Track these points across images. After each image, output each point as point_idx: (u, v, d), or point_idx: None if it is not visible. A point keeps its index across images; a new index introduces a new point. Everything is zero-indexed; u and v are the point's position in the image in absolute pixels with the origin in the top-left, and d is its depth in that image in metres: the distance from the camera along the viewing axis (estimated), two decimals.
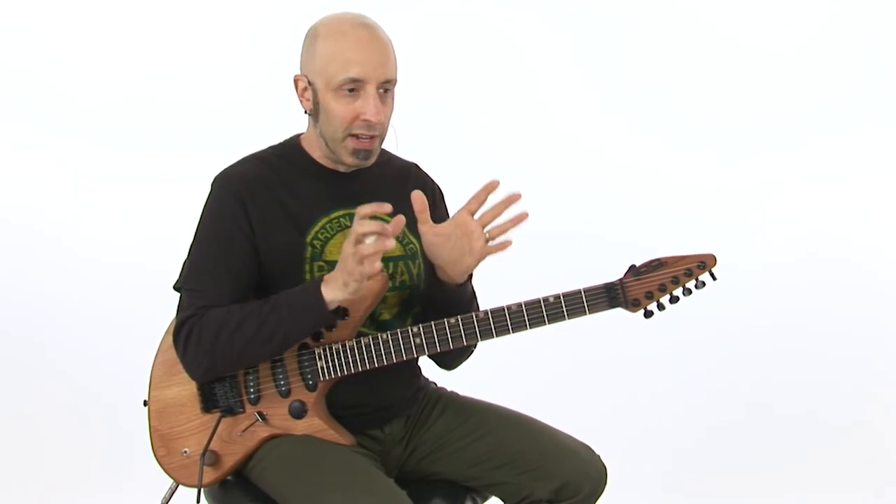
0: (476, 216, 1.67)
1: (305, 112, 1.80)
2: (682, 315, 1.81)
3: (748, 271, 3.34)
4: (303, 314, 1.64)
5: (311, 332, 1.69)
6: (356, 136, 1.72)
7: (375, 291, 1.71)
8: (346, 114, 1.70)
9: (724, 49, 3.53)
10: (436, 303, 1.77)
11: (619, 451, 2.14)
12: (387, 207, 1.56)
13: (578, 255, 3.02)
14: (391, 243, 1.54)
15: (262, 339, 1.65)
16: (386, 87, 1.73)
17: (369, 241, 1.55)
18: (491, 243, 1.67)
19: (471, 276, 1.81)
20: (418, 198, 1.68)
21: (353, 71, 1.68)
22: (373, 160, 1.79)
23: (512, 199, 1.65)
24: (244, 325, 1.65)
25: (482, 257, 1.69)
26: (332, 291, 1.61)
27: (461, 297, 1.76)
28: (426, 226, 1.69)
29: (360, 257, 1.54)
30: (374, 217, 1.58)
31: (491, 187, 1.65)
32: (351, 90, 1.70)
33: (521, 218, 1.65)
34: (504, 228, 1.66)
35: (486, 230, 1.67)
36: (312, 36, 1.76)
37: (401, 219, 1.57)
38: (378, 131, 1.73)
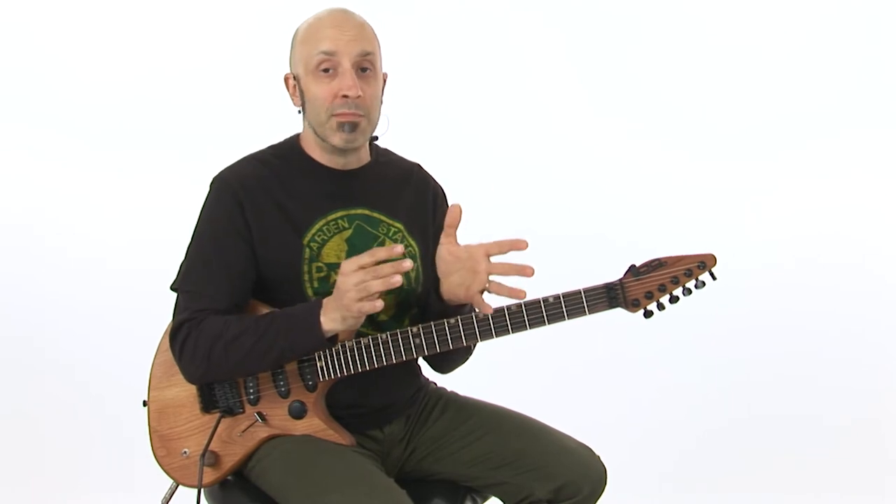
0: (492, 259, 1.66)
1: (298, 111, 1.81)
2: (681, 316, 1.81)
3: (747, 272, 3.34)
4: (300, 339, 1.65)
5: (307, 354, 1.70)
6: (338, 114, 1.71)
7: None
8: (326, 93, 1.71)
9: (722, 49, 3.53)
10: (433, 314, 1.77)
11: (619, 452, 2.14)
12: (398, 249, 1.57)
13: (578, 256, 3.02)
14: (398, 279, 1.55)
15: (257, 356, 1.66)
16: (363, 66, 1.72)
17: (376, 282, 1.55)
18: (486, 294, 1.67)
19: None
20: (455, 211, 1.68)
21: (323, 45, 1.70)
22: (360, 139, 1.76)
23: (524, 270, 1.62)
24: (240, 339, 1.65)
25: (469, 300, 1.69)
26: (331, 322, 1.62)
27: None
28: (448, 239, 1.70)
29: (362, 295, 1.55)
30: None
31: (519, 245, 1.62)
32: (326, 70, 1.70)
33: (518, 294, 1.63)
34: (500, 293, 1.65)
35: (489, 278, 1.66)
36: (294, 33, 1.79)
37: (408, 264, 1.57)
38: (361, 109, 1.72)
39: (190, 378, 1.73)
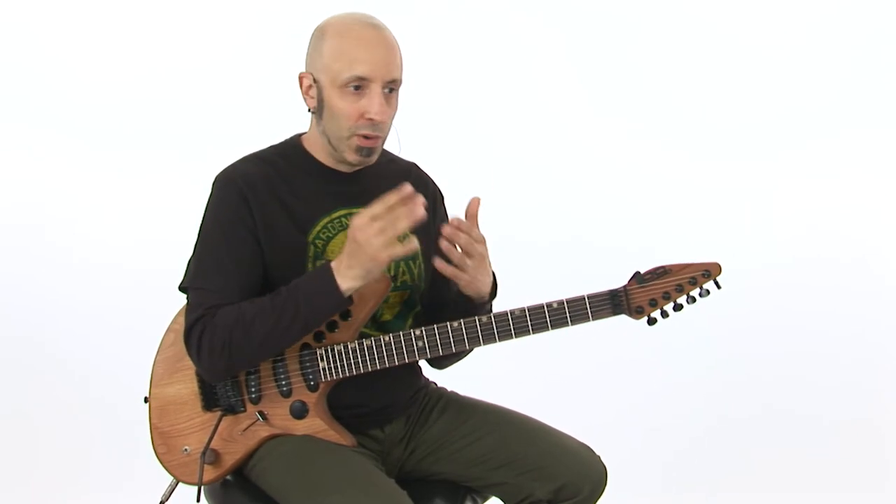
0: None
1: (309, 110, 1.79)
2: (682, 315, 1.81)
3: (747, 271, 3.33)
4: (320, 306, 1.64)
5: (328, 318, 1.69)
6: (361, 135, 1.72)
7: (379, 293, 1.71)
8: (351, 112, 1.70)
9: (722, 49, 3.53)
10: (454, 312, 1.76)
11: (620, 452, 2.14)
12: (407, 188, 1.58)
13: (577, 255, 3.02)
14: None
15: (280, 333, 1.65)
16: (391, 87, 1.72)
17: (400, 222, 1.58)
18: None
19: (493, 297, 1.83)
20: (475, 203, 1.72)
21: (359, 69, 1.68)
22: (375, 158, 1.79)
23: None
24: (259, 320, 1.64)
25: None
26: (350, 281, 1.62)
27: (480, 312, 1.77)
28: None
29: (388, 239, 1.57)
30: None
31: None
32: (356, 88, 1.69)
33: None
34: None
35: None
36: (319, 34, 1.75)
37: (421, 199, 1.59)
38: (382, 130, 1.73)
39: (213, 374, 1.72)
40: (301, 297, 1.64)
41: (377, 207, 1.57)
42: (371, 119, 1.69)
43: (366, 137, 1.72)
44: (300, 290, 1.65)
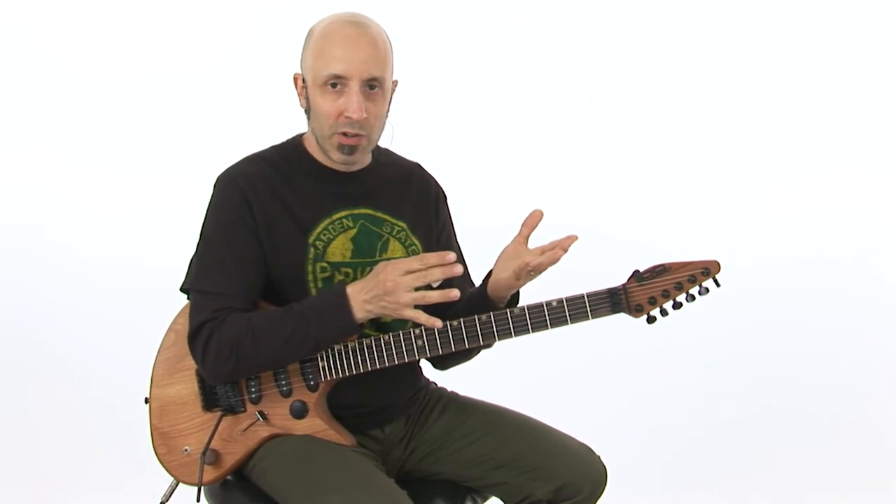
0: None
1: (305, 111, 1.80)
2: (681, 315, 1.81)
3: (747, 271, 3.33)
4: (333, 329, 1.66)
5: (339, 342, 1.70)
6: (341, 134, 1.72)
7: None
8: (331, 110, 1.70)
9: (722, 49, 3.53)
10: (462, 311, 1.76)
11: (620, 452, 2.14)
12: (451, 256, 1.59)
13: (577, 255, 3.01)
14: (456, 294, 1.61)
15: (290, 349, 1.66)
16: (372, 85, 1.71)
17: (434, 294, 1.60)
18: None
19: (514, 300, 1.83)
20: (538, 215, 1.73)
21: (334, 67, 1.69)
22: (360, 157, 1.78)
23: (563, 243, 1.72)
24: (269, 333, 1.65)
25: (516, 275, 1.73)
26: (366, 313, 1.64)
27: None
28: (520, 239, 1.73)
29: (418, 303, 1.59)
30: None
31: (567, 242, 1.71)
32: (334, 86, 1.70)
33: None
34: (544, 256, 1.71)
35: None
36: (309, 35, 1.77)
37: (459, 268, 1.59)
38: (364, 130, 1.72)
39: (216, 378, 1.72)
40: (314, 320, 1.65)
41: (414, 263, 1.59)
42: (348, 117, 1.69)
43: (346, 135, 1.71)
44: (314, 312, 1.65)
